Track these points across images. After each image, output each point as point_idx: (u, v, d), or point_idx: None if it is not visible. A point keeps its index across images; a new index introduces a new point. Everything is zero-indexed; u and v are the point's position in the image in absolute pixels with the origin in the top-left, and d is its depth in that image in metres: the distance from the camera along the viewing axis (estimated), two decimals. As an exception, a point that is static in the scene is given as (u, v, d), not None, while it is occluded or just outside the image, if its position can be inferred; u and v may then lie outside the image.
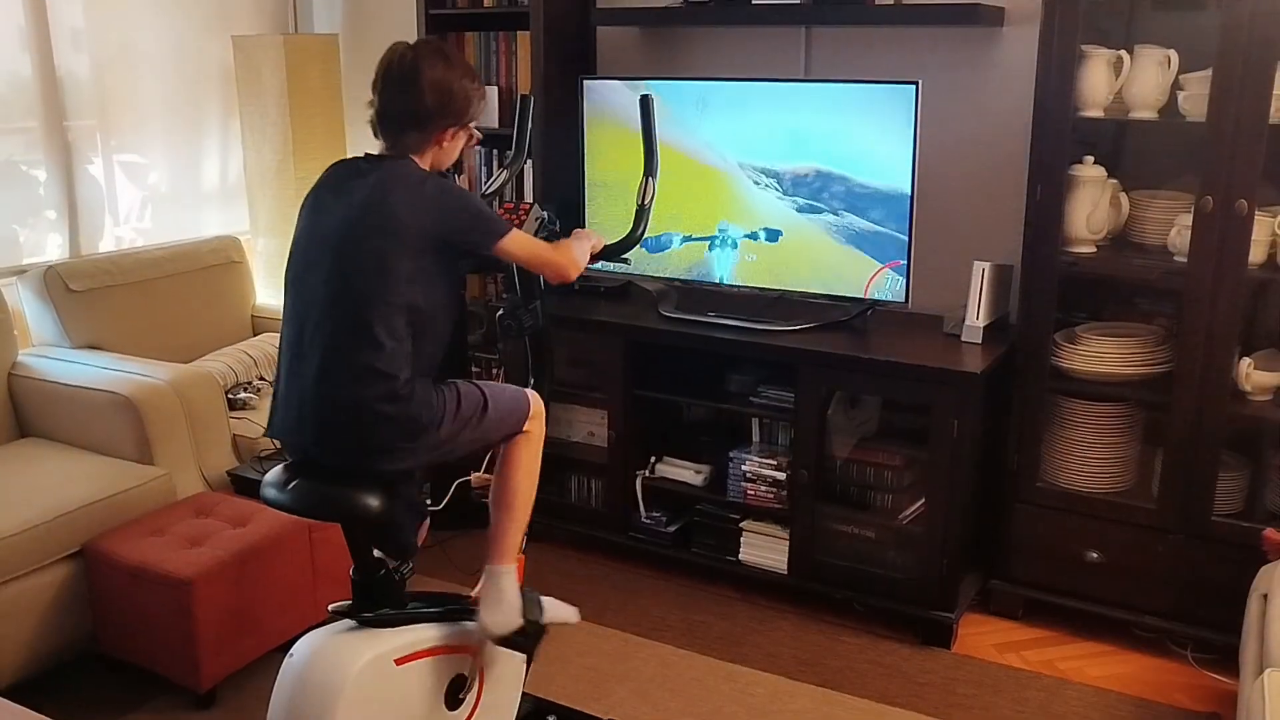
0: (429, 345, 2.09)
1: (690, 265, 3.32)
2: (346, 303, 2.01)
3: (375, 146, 2.17)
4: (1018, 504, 3.00)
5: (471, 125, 2.21)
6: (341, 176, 2.13)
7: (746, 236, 3.21)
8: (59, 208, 3.54)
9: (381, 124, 2.13)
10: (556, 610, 2.36)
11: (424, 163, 2.14)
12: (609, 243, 2.41)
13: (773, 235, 3.16)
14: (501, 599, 2.23)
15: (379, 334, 1.99)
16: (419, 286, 2.03)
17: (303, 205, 2.17)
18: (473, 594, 2.29)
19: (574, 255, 2.25)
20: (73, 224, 3.58)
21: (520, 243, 2.15)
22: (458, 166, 3.67)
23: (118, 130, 3.73)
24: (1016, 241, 2.94)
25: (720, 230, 3.24)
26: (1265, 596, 2.36)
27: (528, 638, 2.26)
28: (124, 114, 3.74)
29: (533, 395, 2.31)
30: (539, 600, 2.30)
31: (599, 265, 2.48)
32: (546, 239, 2.36)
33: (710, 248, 3.28)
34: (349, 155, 3.93)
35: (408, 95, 2.07)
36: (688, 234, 3.30)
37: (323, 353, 2.02)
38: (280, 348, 2.14)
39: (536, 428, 2.28)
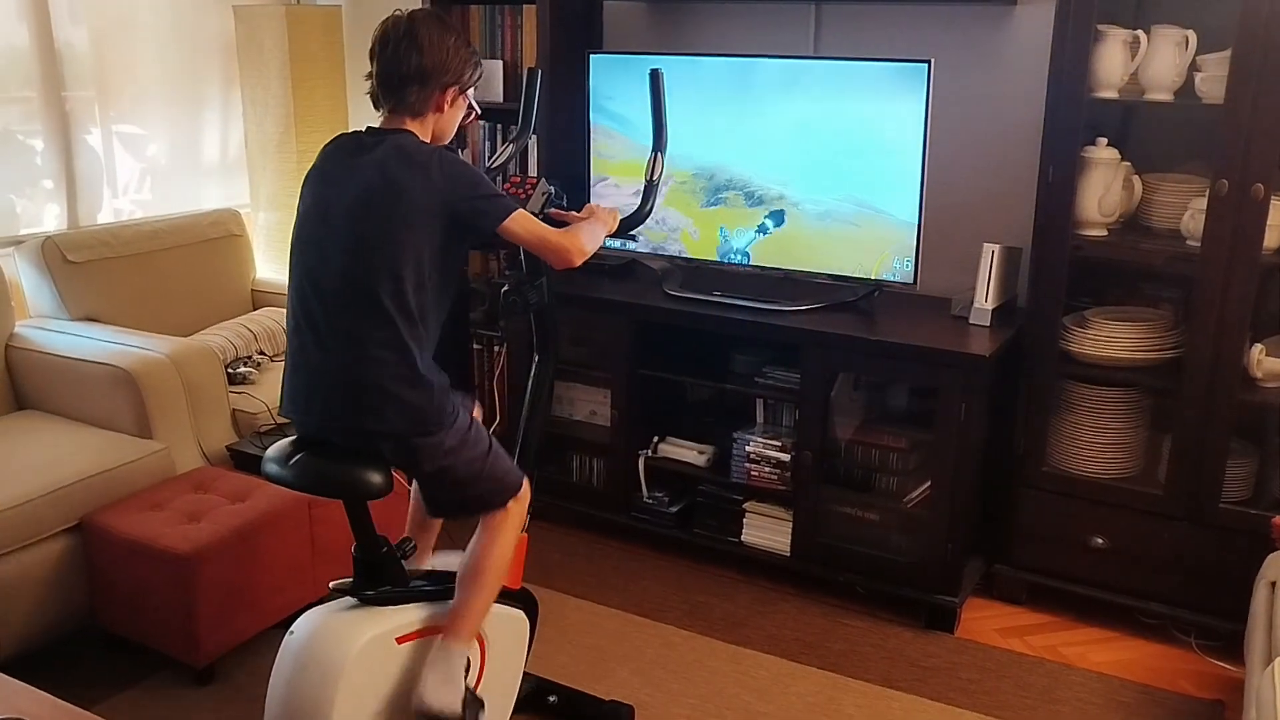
0: (432, 322, 2.08)
1: (697, 245, 3.29)
2: (354, 278, 1.99)
3: (376, 121, 2.14)
4: (1023, 488, 2.98)
5: (471, 94, 2.18)
6: (345, 151, 2.10)
7: (755, 230, 3.17)
8: (57, 178, 3.50)
9: (382, 86, 2.09)
10: None
11: (424, 131, 2.11)
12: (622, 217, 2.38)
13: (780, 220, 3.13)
14: (450, 678, 2.08)
15: (388, 309, 1.97)
16: (425, 261, 2.01)
17: (305, 181, 2.14)
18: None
19: (580, 241, 2.16)
20: (71, 195, 3.54)
21: (524, 224, 2.10)
22: (461, 140, 3.64)
23: (117, 101, 3.68)
24: (1027, 224, 2.91)
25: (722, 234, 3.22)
26: (1273, 584, 2.35)
27: None
28: (123, 85, 3.69)
29: (525, 480, 2.25)
30: (481, 703, 2.16)
31: (605, 242, 2.44)
32: (553, 213, 2.34)
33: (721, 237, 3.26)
34: (350, 128, 3.95)
35: (406, 54, 2.04)
36: (697, 224, 3.27)
37: (330, 329, 2.01)
38: (288, 323, 2.12)
39: (518, 510, 2.21)
